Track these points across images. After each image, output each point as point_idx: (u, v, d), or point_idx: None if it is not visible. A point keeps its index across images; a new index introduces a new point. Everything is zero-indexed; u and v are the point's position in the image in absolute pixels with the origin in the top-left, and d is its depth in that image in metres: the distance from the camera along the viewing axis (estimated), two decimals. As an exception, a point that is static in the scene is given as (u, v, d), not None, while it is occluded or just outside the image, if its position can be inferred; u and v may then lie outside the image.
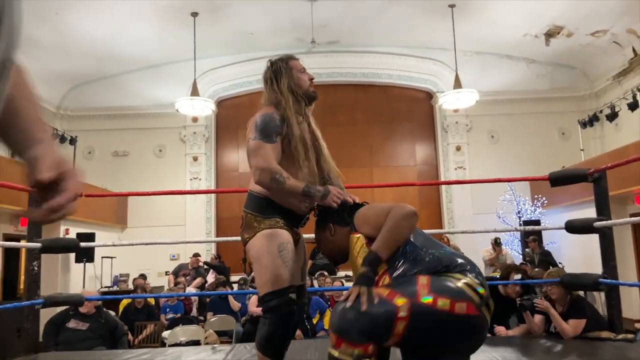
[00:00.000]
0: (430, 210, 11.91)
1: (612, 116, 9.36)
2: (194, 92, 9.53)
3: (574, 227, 3.25)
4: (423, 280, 1.63)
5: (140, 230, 10.59)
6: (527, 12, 9.78)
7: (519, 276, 3.58)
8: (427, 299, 1.57)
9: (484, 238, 10.11)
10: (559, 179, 3.30)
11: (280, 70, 2.10)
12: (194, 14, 9.39)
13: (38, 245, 3.34)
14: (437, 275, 1.65)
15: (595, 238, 4.00)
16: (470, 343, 1.67)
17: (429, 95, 12.25)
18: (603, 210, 3.26)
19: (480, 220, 10.58)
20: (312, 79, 2.19)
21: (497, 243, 8.57)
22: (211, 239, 11.35)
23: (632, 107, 8.52)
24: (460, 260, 1.73)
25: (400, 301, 1.57)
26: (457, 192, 11.38)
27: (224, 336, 6.04)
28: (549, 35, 10.62)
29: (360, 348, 1.55)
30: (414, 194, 11.90)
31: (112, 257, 9.52)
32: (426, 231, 6.93)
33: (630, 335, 3.05)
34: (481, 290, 1.64)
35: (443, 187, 11.73)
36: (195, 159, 11.71)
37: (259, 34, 10.58)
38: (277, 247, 1.94)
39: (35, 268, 3.49)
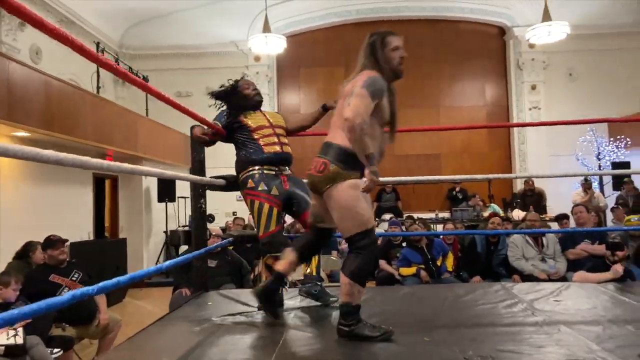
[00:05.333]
0: (501, 152, 11.60)
1: None
2: (266, 28, 9.10)
3: None
4: None
5: (208, 171, 10.54)
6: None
7: None
8: None
9: (562, 180, 9.83)
10: None
11: (376, 44, 2.31)
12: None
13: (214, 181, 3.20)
14: None
15: None
16: None
17: (502, 31, 11.60)
18: None
19: (557, 163, 10.25)
20: (403, 57, 2.34)
21: (588, 186, 8.26)
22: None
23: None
24: None
25: None
26: (532, 134, 10.97)
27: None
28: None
29: None
30: (482, 136, 11.55)
31: (186, 197, 9.54)
32: (496, 175, 6.93)
33: None
34: None
35: (515, 128, 11.32)
36: (258, 99, 11.44)
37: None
38: (360, 194, 2.20)
39: (203, 206, 3.37)
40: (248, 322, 2.59)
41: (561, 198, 9.13)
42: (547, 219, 7.98)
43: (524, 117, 11.15)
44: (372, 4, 11.36)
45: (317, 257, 2.97)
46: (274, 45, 9.19)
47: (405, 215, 9.42)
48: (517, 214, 8.11)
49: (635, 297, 2.93)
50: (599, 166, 9.94)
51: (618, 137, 9.95)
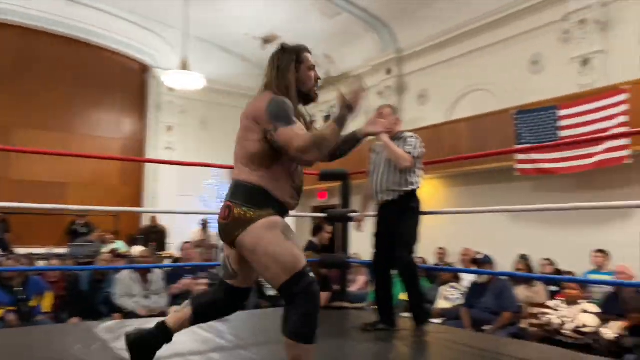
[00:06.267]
0: (131, 188, 11.51)
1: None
2: None
3: (334, 216, 3.90)
4: None
5: None
6: (254, 15, 10.59)
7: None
8: None
9: (187, 219, 10.45)
10: (326, 176, 3.91)
11: (291, 61, 1.98)
12: None
13: None
14: None
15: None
16: None
17: (144, 68, 11.79)
18: (348, 204, 4.02)
19: (184, 202, 10.84)
20: (318, 79, 2.07)
21: (205, 225, 9.00)
22: None
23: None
24: None
25: None
26: (164, 172, 11.31)
27: None
28: (266, 40, 11.75)
29: None
30: (115, 169, 11.26)
31: None
32: (122, 208, 6.97)
33: (360, 305, 3.89)
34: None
35: (148, 165, 11.50)
36: None
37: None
38: (282, 230, 1.85)
39: None
40: None
41: (184, 236, 9.66)
42: (165, 255, 8.25)
43: (158, 155, 11.44)
44: (-2, 2, 9.78)
45: None
46: None
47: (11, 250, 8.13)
48: (138, 250, 8.09)
49: (216, 326, 3.18)
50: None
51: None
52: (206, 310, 2.09)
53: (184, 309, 2.08)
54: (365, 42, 10.73)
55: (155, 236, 9.04)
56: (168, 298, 4.92)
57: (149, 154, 11.56)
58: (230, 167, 6.04)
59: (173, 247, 9.41)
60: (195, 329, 3.10)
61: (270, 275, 1.82)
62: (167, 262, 7.63)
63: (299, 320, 1.78)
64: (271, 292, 5.68)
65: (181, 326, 2.09)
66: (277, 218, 1.87)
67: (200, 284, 4.97)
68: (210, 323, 3.24)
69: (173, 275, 5.19)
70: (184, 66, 9.42)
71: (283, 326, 1.82)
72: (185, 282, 4.91)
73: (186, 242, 6.13)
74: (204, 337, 2.92)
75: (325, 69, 11.97)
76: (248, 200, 1.84)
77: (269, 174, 1.89)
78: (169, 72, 9.67)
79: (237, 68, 12.39)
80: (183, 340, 2.89)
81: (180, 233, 9.94)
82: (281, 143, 1.83)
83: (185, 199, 10.94)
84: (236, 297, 2.06)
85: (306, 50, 2.04)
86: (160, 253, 8.69)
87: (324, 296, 3.96)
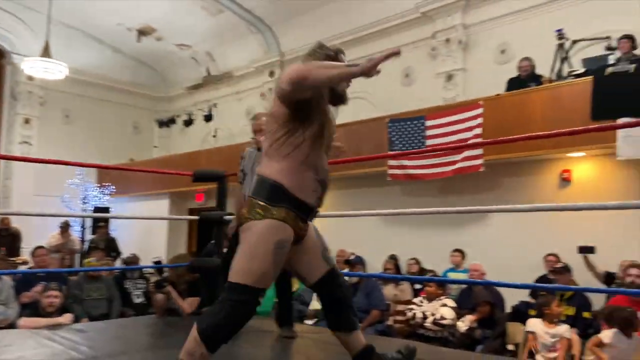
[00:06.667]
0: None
1: (188, 122, 10.74)
2: None
3: (208, 219, 3.77)
4: None
5: None
6: (128, 4, 9.95)
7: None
8: None
9: (45, 221, 9.46)
10: (201, 177, 3.77)
11: (328, 59, 1.94)
12: None
13: None
14: None
15: (152, 229, 4.30)
16: None
17: (0, 53, 10.51)
18: (224, 206, 3.93)
19: (42, 203, 9.83)
20: (350, 82, 2.00)
21: (65, 228, 8.23)
22: None
23: (207, 118, 10.11)
24: None
25: None
26: (19, 169, 10.16)
27: None
28: (142, 32, 11.12)
29: None
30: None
31: None
32: None
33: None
34: None
35: (1, 161, 10.25)
36: None
37: None
38: (276, 243, 1.80)
39: None
40: None
41: (42, 240, 8.73)
42: (18, 261, 7.42)
43: (12, 150, 10.29)
44: None
45: None
46: None
47: None
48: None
49: (70, 337, 2.91)
50: (85, 210, 10.16)
51: (104, 183, 10.52)
52: (334, 320, 2.07)
53: (343, 336, 2.07)
54: (249, 43, 10.62)
55: (6, 240, 8.08)
56: (18, 308, 4.40)
57: (2, 149, 10.32)
58: (95, 166, 5.51)
59: (27, 252, 8.47)
60: (45, 340, 2.81)
61: (234, 266, 1.82)
62: (21, 268, 6.86)
63: (216, 326, 1.79)
64: (138, 300, 5.36)
65: (353, 347, 2.09)
66: (285, 228, 1.83)
67: (51, 295, 4.43)
68: (63, 334, 2.97)
69: (25, 283, 4.67)
70: (46, 53, 8.58)
71: (200, 317, 1.85)
72: (38, 289, 4.42)
73: (39, 247, 5.53)
74: (54, 349, 2.64)
75: (206, 66, 11.67)
76: (263, 197, 1.84)
77: (290, 164, 1.85)
78: (28, 59, 8.75)
79: (107, 59, 11.57)
80: (32, 353, 2.61)
81: (38, 236, 8.99)
82: (286, 78, 1.79)
83: (43, 199, 9.92)
84: (327, 288, 2.01)
85: (342, 52, 2.04)
86: (13, 259, 7.77)
87: (194, 301, 3.81)
